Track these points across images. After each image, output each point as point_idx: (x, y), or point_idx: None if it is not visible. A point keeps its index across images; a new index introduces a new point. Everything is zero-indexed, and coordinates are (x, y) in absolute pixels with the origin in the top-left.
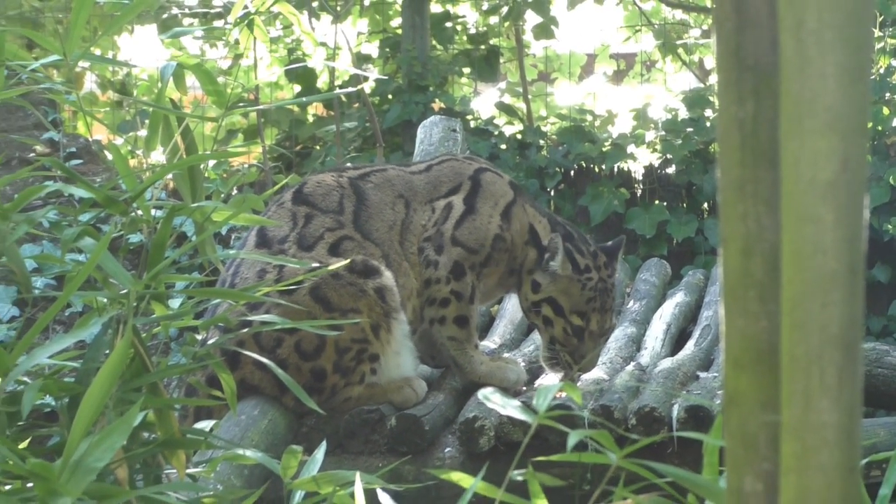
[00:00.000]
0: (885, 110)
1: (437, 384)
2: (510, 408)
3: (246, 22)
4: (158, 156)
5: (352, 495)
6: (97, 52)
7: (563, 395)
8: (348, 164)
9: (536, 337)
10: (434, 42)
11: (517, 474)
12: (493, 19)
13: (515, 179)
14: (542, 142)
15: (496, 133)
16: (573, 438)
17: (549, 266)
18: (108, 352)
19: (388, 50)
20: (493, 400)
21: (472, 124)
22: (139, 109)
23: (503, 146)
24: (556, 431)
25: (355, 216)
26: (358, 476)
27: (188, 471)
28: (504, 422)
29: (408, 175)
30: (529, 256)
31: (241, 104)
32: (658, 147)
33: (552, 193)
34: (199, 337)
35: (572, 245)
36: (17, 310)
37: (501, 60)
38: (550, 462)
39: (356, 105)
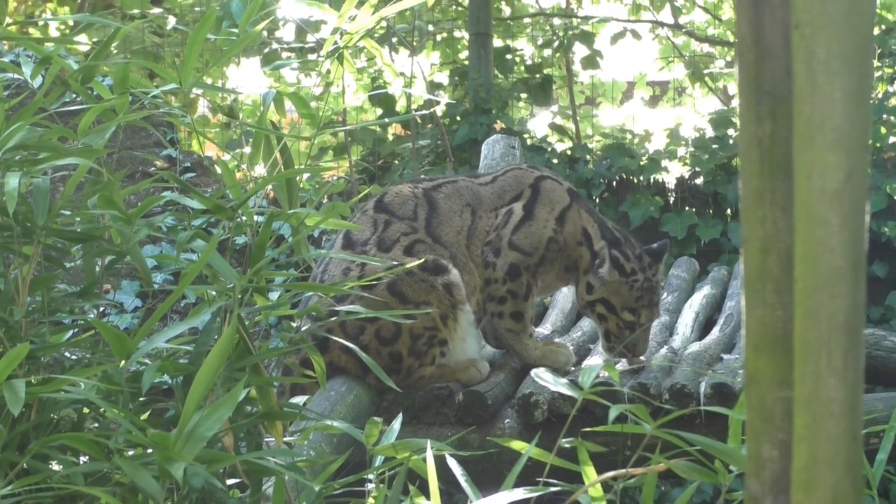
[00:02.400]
0: (883, 129)
1: (498, 365)
2: (560, 385)
3: (336, 55)
4: (260, 169)
5: (424, 460)
6: (208, 80)
7: (605, 374)
8: (424, 177)
9: (584, 324)
10: (496, 71)
11: (566, 442)
12: (547, 52)
13: None
14: (588, 157)
15: (549, 149)
16: (614, 412)
17: (598, 272)
18: (216, 337)
19: (456, 78)
20: (545, 378)
21: (529, 142)
22: (244, 130)
23: (555, 161)
24: (601, 405)
25: (427, 222)
26: (429, 444)
27: (285, 439)
28: (555, 397)
29: (476, 186)
30: (584, 257)
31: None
32: (688, 161)
33: (597, 201)
34: (294, 324)
35: (619, 251)
36: (139, 301)
37: (554, 87)
38: (595, 432)
39: (429, 125)
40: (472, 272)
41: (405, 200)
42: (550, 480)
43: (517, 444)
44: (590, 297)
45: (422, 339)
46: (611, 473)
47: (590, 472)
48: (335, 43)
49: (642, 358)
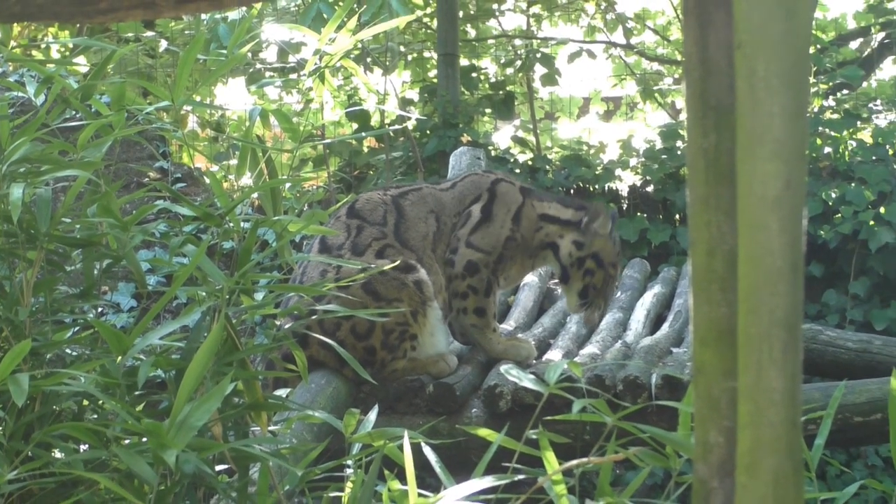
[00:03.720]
0: (819, 141)
1: (466, 358)
2: (526, 380)
3: (318, 74)
4: (246, 180)
5: (399, 448)
6: (198, 98)
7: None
8: (392, 184)
9: (545, 320)
10: (463, 89)
11: (532, 433)
12: (509, 70)
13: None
14: (548, 167)
15: (512, 160)
16: (577, 406)
17: (590, 228)
18: (206, 334)
19: (426, 95)
20: (513, 374)
21: (493, 153)
22: (231, 143)
23: (517, 171)
24: (561, 396)
25: (396, 228)
26: (406, 433)
27: (270, 428)
28: (518, 388)
29: (438, 192)
30: (550, 233)
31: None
32: (639, 171)
33: None
34: (277, 323)
35: (603, 209)
36: (134, 301)
37: (516, 103)
38: (555, 420)
39: (401, 139)
40: (438, 273)
41: (375, 206)
42: (518, 466)
43: (484, 432)
44: (580, 253)
45: (394, 334)
46: (573, 462)
47: (552, 460)
48: (316, 63)
49: (582, 351)
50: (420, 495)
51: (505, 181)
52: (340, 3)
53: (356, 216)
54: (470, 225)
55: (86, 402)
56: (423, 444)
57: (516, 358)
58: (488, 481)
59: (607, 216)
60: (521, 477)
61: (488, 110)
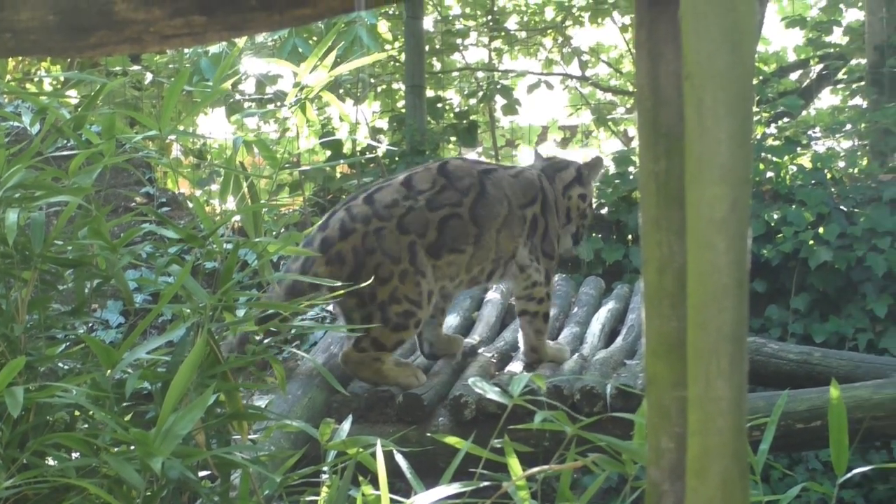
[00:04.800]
0: (762, 166)
1: (433, 371)
2: (492, 392)
3: (299, 105)
4: (229, 203)
5: (372, 455)
6: (182, 128)
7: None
8: (479, 159)
9: (506, 334)
10: (429, 118)
11: (497, 442)
12: (472, 101)
13: None
14: None
15: None
16: (539, 417)
17: (589, 178)
18: (190, 349)
19: (395, 124)
20: (478, 386)
21: None
22: (212, 169)
23: None
24: (523, 406)
25: (474, 203)
26: (379, 442)
27: (250, 436)
28: (482, 398)
29: (509, 178)
30: (570, 195)
31: (287, 165)
32: (595, 194)
33: None
34: (257, 338)
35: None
36: (122, 318)
37: (479, 131)
38: (518, 429)
39: (372, 165)
40: (487, 259)
41: (464, 175)
42: (484, 472)
43: (450, 440)
44: (583, 204)
45: (399, 305)
46: (536, 469)
47: (515, 466)
48: (297, 95)
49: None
50: (391, 500)
51: (540, 177)
52: (314, 39)
53: (445, 175)
54: (539, 231)
55: (77, 413)
56: (394, 451)
57: (560, 361)
58: (455, 487)
59: (600, 165)
60: (486, 483)
61: (453, 138)
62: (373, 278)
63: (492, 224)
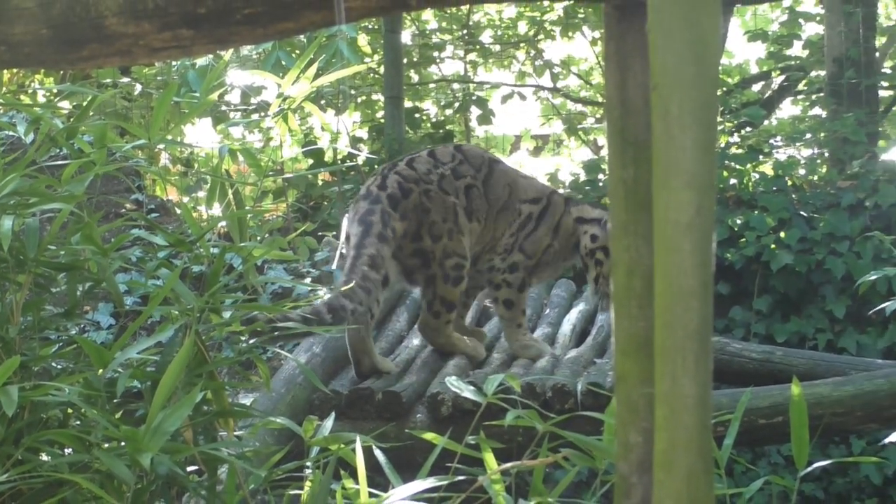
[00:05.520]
0: (725, 173)
1: (412, 369)
2: (467, 391)
3: (282, 115)
4: (215, 210)
5: (353, 450)
6: (169, 137)
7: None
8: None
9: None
10: (407, 128)
11: (472, 439)
12: (449, 111)
13: None
14: None
15: None
16: (511, 415)
17: (607, 225)
18: (178, 349)
19: (374, 134)
20: (455, 385)
21: None
22: (199, 177)
23: None
24: (498, 403)
25: (485, 180)
26: (359, 438)
27: (236, 433)
28: (458, 396)
29: (515, 174)
30: (580, 231)
31: (271, 173)
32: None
33: None
34: (242, 338)
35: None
36: (113, 320)
37: (454, 140)
38: (493, 425)
39: (352, 173)
40: (485, 238)
41: (477, 156)
42: (460, 466)
43: (428, 436)
44: (593, 245)
45: (451, 260)
46: (510, 465)
47: (490, 461)
48: (280, 105)
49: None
50: (371, 494)
51: (556, 193)
52: (297, 52)
53: (461, 152)
54: (528, 229)
55: (70, 411)
56: (373, 447)
57: (528, 356)
58: (431, 482)
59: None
60: (462, 477)
61: (430, 147)
62: (430, 236)
63: (495, 204)
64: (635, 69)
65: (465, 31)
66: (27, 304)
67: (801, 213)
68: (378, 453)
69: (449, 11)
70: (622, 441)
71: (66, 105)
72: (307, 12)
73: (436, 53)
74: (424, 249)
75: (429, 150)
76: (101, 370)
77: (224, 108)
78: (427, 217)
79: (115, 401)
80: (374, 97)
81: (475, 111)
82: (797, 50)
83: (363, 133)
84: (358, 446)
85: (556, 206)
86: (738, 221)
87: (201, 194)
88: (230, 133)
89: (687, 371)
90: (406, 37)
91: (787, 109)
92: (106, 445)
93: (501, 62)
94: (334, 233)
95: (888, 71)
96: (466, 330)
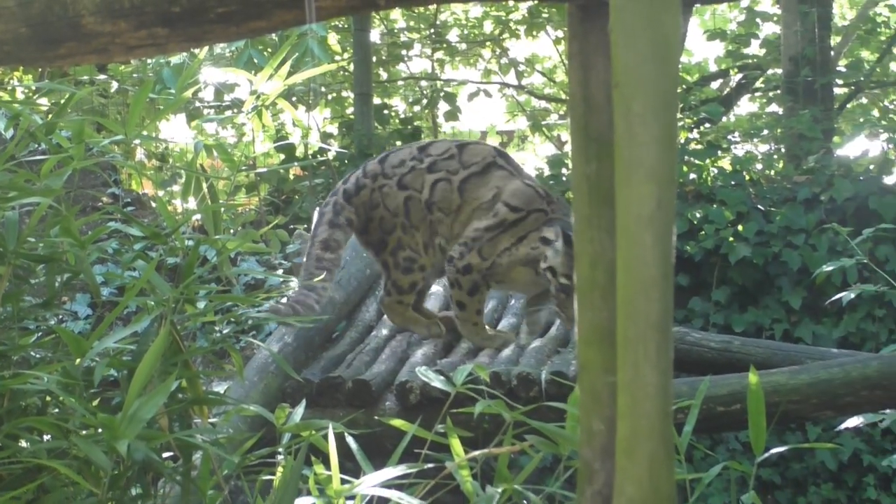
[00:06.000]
0: (685, 168)
1: (382, 358)
2: (437, 381)
3: (256, 111)
4: (190, 203)
5: (324, 437)
6: (145, 133)
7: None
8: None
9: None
10: (376, 124)
11: (441, 428)
12: (417, 108)
13: None
14: None
15: None
16: (480, 406)
17: (554, 245)
18: (153, 339)
19: (344, 129)
20: (424, 375)
21: None
22: (174, 171)
23: None
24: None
25: (467, 178)
26: (331, 425)
27: (210, 420)
28: (426, 384)
29: (515, 180)
30: (541, 251)
31: (244, 168)
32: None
33: None
34: (216, 328)
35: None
36: (90, 310)
37: (422, 136)
38: (460, 413)
39: (323, 167)
40: (454, 235)
41: (476, 155)
42: (430, 453)
43: (397, 423)
44: (544, 264)
45: (403, 252)
46: (478, 452)
47: (458, 448)
48: (254, 103)
49: (483, 352)
50: (342, 480)
51: (542, 212)
52: (269, 50)
53: (460, 150)
54: (494, 232)
55: (48, 399)
56: (345, 434)
57: (493, 347)
58: (402, 469)
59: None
60: (431, 465)
61: (399, 142)
62: (380, 229)
63: (471, 202)
64: (598, 67)
65: (432, 30)
66: (6, 294)
67: (759, 206)
68: (350, 440)
69: (417, 11)
70: (585, 428)
71: (44, 102)
72: (279, 11)
73: (404, 52)
74: (375, 241)
75: (430, 141)
76: (78, 359)
77: (198, 104)
78: (376, 212)
79: (92, 389)
80: (344, 94)
81: (443, 107)
82: (755, 49)
83: (333, 129)
84: (330, 433)
85: (533, 221)
86: (698, 215)
87: (176, 188)
88: (204, 129)
89: (648, 360)
90: (375, 35)
91: (745, 106)
92: (83, 432)
93: (468, 60)
94: (305, 226)
95: (843, 69)
96: (433, 315)
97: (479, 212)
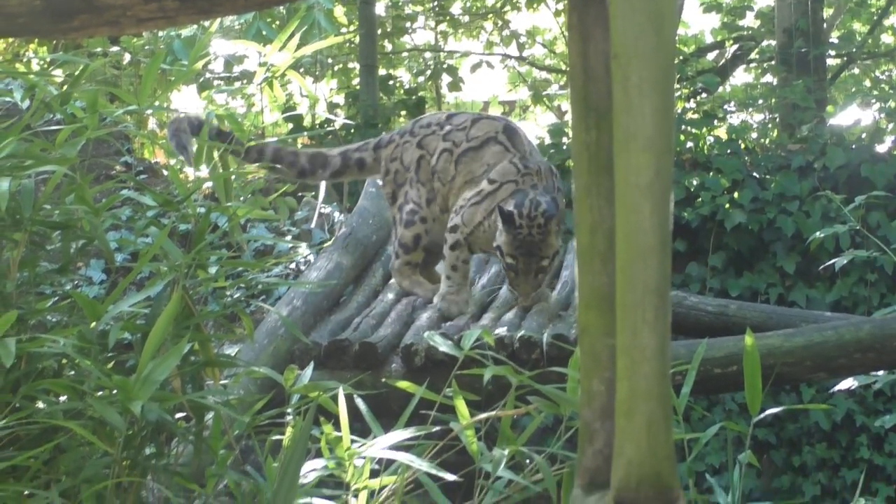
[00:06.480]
0: (682, 137)
1: (388, 322)
2: (445, 346)
3: (266, 82)
4: (202, 172)
5: (331, 398)
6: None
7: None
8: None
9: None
10: (381, 94)
11: (449, 391)
12: (421, 79)
13: None
14: None
15: None
16: (488, 374)
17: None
18: (166, 303)
19: (350, 100)
20: (435, 340)
21: None
22: None
23: None
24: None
25: (465, 151)
26: (341, 387)
27: (221, 382)
28: (430, 347)
29: (508, 156)
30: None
31: (253, 137)
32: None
33: None
34: (227, 292)
35: (520, 209)
36: (104, 275)
37: (426, 106)
38: (464, 374)
39: (330, 137)
40: (437, 196)
41: (483, 129)
42: (439, 415)
43: (403, 385)
44: (496, 242)
45: (407, 207)
46: (484, 415)
47: (463, 410)
48: (265, 74)
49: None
50: (352, 440)
51: (513, 183)
52: (277, 23)
53: (473, 122)
54: (473, 201)
55: (64, 362)
56: (354, 395)
57: (443, 309)
58: (410, 431)
59: (507, 214)
60: (437, 428)
61: (403, 112)
62: (394, 182)
63: (464, 175)
64: (597, 39)
65: (435, 3)
66: (23, 260)
67: (754, 174)
68: (359, 402)
69: None
70: (586, 389)
71: (59, 73)
72: None
73: (408, 24)
74: (388, 194)
75: (460, 111)
76: (93, 323)
77: (208, 76)
78: (393, 164)
79: (107, 352)
80: (350, 65)
81: (446, 79)
82: (749, 20)
83: (340, 99)
84: (340, 394)
85: (503, 193)
86: (695, 182)
87: None
88: (214, 99)
89: (647, 323)
90: (380, 8)
91: (740, 77)
92: (98, 394)
93: (470, 32)
94: (313, 193)
95: (835, 41)
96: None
97: (468, 186)
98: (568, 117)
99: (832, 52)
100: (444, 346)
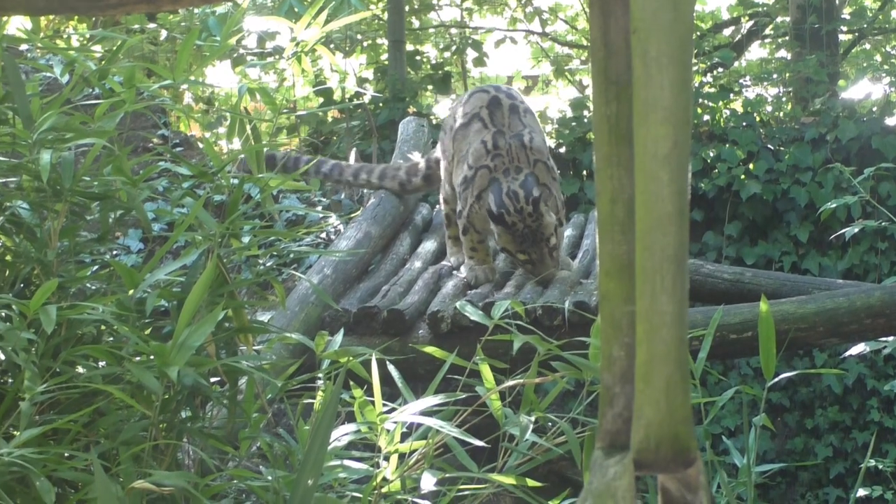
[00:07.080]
0: (700, 110)
1: (415, 289)
2: (475, 315)
3: (296, 57)
4: (235, 144)
5: (362, 364)
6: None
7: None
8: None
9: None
10: (409, 69)
11: (478, 359)
12: (447, 54)
13: None
14: None
15: None
16: (518, 343)
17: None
18: (201, 271)
19: (379, 74)
20: (467, 310)
21: (434, 122)
22: (220, 114)
23: None
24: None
25: (462, 127)
26: (374, 352)
27: (254, 347)
28: (457, 313)
29: (480, 137)
30: None
31: (285, 111)
32: (554, 135)
33: None
34: (260, 261)
35: (504, 207)
36: (142, 245)
37: (452, 80)
38: (489, 340)
39: (359, 111)
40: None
41: (475, 102)
42: (469, 381)
43: (430, 350)
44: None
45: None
46: (511, 383)
47: (488, 376)
48: (294, 49)
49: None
50: (384, 404)
51: (489, 169)
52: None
53: (471, 95)
54: (462, 186)
55: (103, 328)
56: (386, 361)
57: (469, 277)
58: (441, 397)
59: (497, 216)
60: (464, 395)
61: (430, 87)
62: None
63: (455, 152)
64: (617, 14)
65: None
66: (64, 230)
67: (768, 146)
68: (391, 367)
69: None
70: (606, 355)
71: (98, 49)
72: None
73: (435, 1)
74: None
75: (495, 85)
76: (131, 291)
77: (242, 51)
78: (440, 135)
79: (144, 319)
80: (379, 41)
81: (471, 54)
82: None
83: (369, 74)
84: (373, 360)
85: (480, 179)
86: (711, 154)
87: (222, 130)
88: (247, 74)
89: (665, 290)
90: None
91: (755, 52)
92: (136, 359)
93: (495, 9)
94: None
95: (847, 17)
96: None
97: (459, 165)
98: (589, 91)
99: (844, 28)
100: (474, 315)
